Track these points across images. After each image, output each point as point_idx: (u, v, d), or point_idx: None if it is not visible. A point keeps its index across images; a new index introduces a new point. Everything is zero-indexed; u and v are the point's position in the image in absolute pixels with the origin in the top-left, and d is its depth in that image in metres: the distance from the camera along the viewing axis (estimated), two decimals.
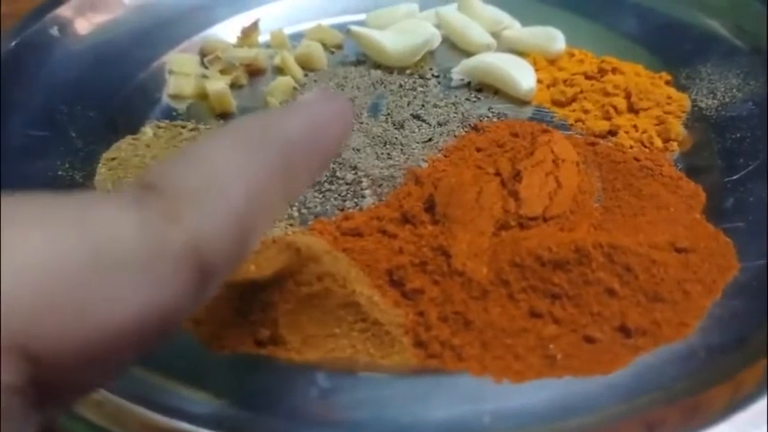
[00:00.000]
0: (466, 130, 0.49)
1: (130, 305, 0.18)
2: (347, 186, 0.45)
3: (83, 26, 0.53)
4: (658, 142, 0.48)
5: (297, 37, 0.58)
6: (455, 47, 0.58)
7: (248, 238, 0.21)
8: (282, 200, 0.23)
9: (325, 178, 0.45)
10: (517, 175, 0.41)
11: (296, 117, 0.24)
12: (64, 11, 0.53)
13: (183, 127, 0.50)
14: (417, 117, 0.51)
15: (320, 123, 0.24)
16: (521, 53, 0.56)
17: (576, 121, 0.50)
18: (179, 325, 0.20)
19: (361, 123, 0.50)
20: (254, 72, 0.56)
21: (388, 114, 0.51)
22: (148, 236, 0.19)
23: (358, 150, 0.47)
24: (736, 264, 0.38)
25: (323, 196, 0.45)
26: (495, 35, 0.58)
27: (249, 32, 0.57)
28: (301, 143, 0.23)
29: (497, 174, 0.42)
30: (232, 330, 0.35)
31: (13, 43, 0.50)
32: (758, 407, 0.30)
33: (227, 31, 0.58)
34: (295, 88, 0.53)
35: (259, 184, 0.21)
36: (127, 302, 0.18)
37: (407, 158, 0.47)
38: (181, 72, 0.54)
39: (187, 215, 0.20)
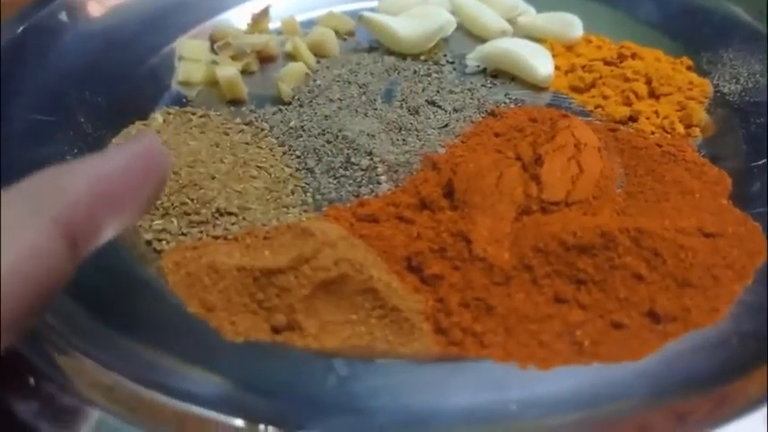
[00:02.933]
0: (483, 115, 0.48)
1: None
2: (362, 172, 0.44)
3: (92, 11, 0.52)
4: (680, 128, 0.47)
5: (308, 24, 0.57)
6: (470, 33, 0.57)
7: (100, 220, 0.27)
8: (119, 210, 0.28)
9: (339, 164, 0.44)
10: (538, 160, 0.40)
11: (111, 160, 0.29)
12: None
13: (194, 113, 0.49)
14: (433, 103, 0.49)
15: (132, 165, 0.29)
16: (537, 40, 0.55)
17: (595, 108, 0.49)
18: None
19: (375, 110, 0.48)
20: (265, 58, 0.55)
21: (403, 100, 0.49)
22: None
23: (373, 136, 0.46)
24: (766, 249, 0.37)
25: (337, 182, 0.43)
26: (510, 21, 0.56)
27: (260, 19, 0.56)
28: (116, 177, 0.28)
29: (518, 158, 0.41)
30: (247, 317, 0.34)
31: (21, 28, 0.49)
32: None
33: (237, 17, 0.57)
34: (307, 74, 0.52)
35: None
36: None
37: (423, 144, 0.46)
38: (191, 58, 0.53)
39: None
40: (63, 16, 0.51)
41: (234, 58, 0.53)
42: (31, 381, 0.30)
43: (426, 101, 0.50)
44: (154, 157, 0.29)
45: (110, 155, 0.29)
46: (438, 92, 0.50)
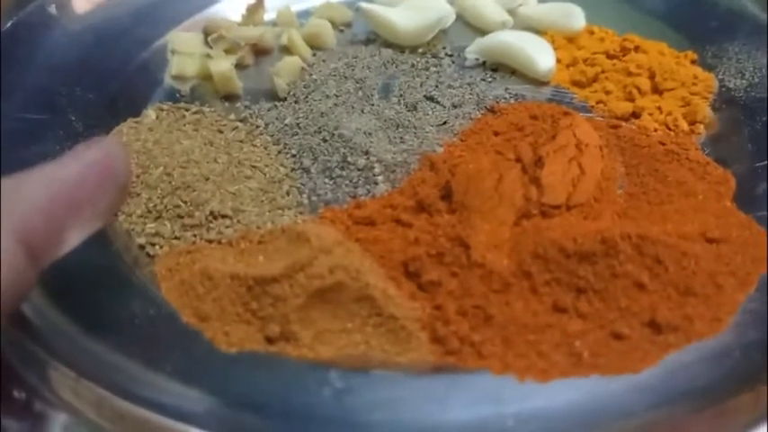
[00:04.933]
0: (482, 112, 0.47)
1: None
2: (359, 172, 0.43)
3: (82, 4, 0.51)
4: (684, 125, 0.46)
5: (304, 14, 0.56)
6: (469, 24, 0.56)
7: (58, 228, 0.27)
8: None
9: (335, 163, 0.43)
10: (539, 161, 0.39)
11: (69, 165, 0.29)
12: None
13: (187, 110, 0.48)
14: (431, 98, 0.48)
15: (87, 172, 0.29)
16: (538, 31, 0.54)
17: (597, 103, 0.48)
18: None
19: (372, 105, 0.47)
20: (259, 51, 0.53)
21: (401, 96, 0.48)
22: None
23: (369, 134, 0.45)
24: None
25: (334, 183, 0.43)
26: (510, 12, 0.55)
27: (254, 10, 0.55)
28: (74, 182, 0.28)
29: (518, 160, 0.40)
30: (240, 327, 0.34)
31: (10, 23, 0.48)
32: None
33: (231, 8, 0.56)
34: (303, 68, 0.51)
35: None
36: None
37: (421, 142, 0.45)
38: (184, 52, 0.52)
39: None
40: (53, 9, 0.50)
41: (228, 51, 0.52)
42: (18, 395, 0.29)
43: (425, 96, 0.49)
44: (111, 164, 0.29)
45: (66, 162, 0.29)
46: (437, 86, 0.49)
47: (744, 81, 0.47)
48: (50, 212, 0.27)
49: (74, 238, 0.28)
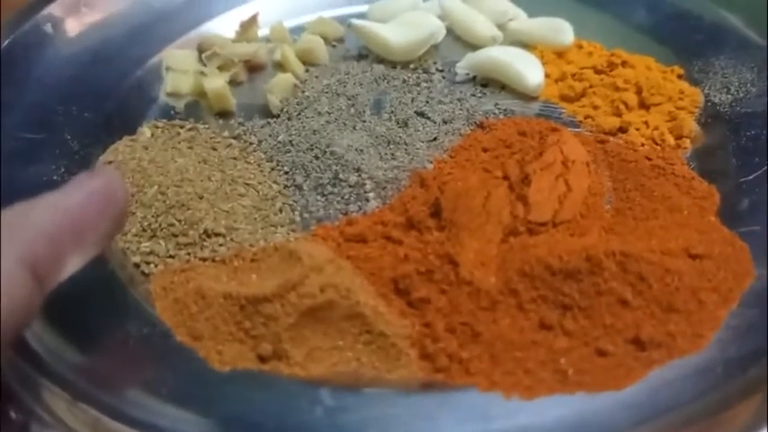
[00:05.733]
0: (472, 127, 0.48)
1: None
2: (350, 189, 0.44)
3: (77, 23, 0.52)
4: (670, 139, 0.46)
5: (297, 30, 0.57)
6: (460, 39, 0.56)
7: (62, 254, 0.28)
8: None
9: (327, 180, 0.44)
10: (526, 179, 0.40)
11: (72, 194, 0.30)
12: (57, 7, 0.51)
13: (182, 127, 0.49)
14: (422, 114, 0.49)
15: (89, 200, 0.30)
16: (528, 45, 0.55)
17: (585, 118, 0.49)
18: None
19: (364, 122, 0.48)
20: (253, 67, 0.54)
21: (392, 112, 0.49)
22: None
23: (361, 151, 0.45)
24: (753, 271, 0.37)
25: (326, 199, 0.43)
26: (501, 27, 0.56)
27: (248, 26, 0.56)
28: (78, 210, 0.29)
29: (505, 177, 0.41)
30: (234, 346, 0.34)
31: (6, 42, 0.49)
32: None
33: (225, 25, 0.56)
34: (296, 85, 0.52)
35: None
36: None
37: (412, 159, 0.45)
38: (178, 69, 0.52)
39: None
40: (48, 28, 0.51)
41: (222, 67, 0.53)
42: (15, 416, 0.30)
43: (415, 112, 0.49)
44: (111, 192, 0.30)
45: (69, 191, 0.30)
46: (427, 102, 0.50)
47: (729, 96, 0.48)
48: (56, 239, 0.28)
49: (76, 263, 0.29)
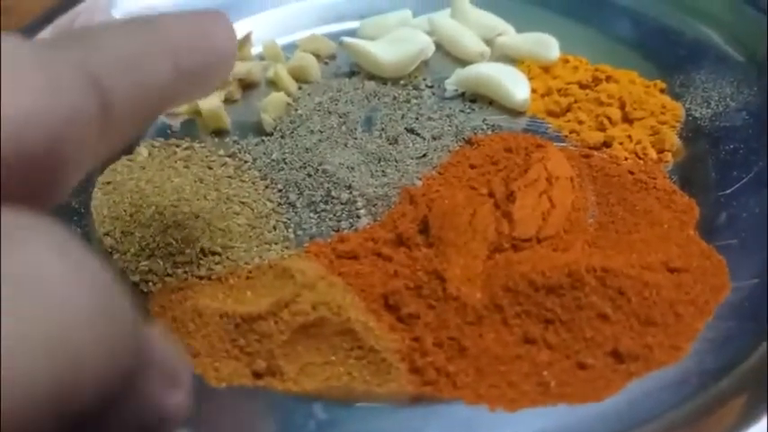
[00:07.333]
0: (460, 143, 0.49)
1: None
2: (342, 206, 0.45)
3: None
4: (653, 153, 0.48)
5: (290, 47, 0.58)
6: (449, 55, 0.57)
7: (141, 82, 0.24)
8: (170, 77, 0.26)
9: (320, 198, 0.45)
10: (510, 196, 0.41)
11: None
12: (53, 29, 0.53)
13: (178, 146, 0.50)
14: (412, 131, 0.50)
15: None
16: (515, 60, 0.56)
17: (570, 133, 0.50)
18: (84, 151, 0.22)
19: (356, 139, 0.50)
20: (247, 85, 0.56)
21: (383, 129, 0.50)
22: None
23: (352, 168, 0.47)
24: (729, 284, 0.38)
25: (318, 217, 0.45)
26: (489, 42, 0.57)
27: (242, 45, 0.57)
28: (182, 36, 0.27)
29: (491, 194, 0.42)
30: (229, 363, 0.36)
31: None
32: None
33: None
34: (289, 103, 0.53)
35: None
36: None
37: (402, 176, 0.47)
38: None
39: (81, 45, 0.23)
40: None
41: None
42: None
43: (405, 129, 0.51)
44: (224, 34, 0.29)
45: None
46: (417, 119, 0.51)
47: (709, 110, 0.49)
48: (132, 58, 0.23)
49: (152, 105, 0.25)
